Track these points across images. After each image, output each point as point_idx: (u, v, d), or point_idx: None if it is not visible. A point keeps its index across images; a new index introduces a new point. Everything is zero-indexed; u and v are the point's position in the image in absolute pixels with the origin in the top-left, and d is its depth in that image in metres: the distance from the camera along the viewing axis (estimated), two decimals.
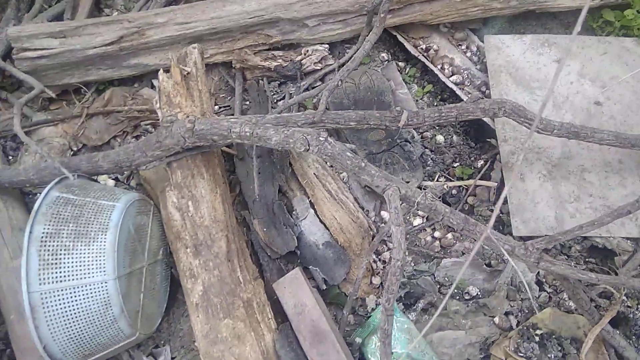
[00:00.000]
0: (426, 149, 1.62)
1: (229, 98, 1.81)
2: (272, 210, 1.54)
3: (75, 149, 1.74)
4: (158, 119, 1.77)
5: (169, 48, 1.73)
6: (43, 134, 1.76)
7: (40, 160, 1.71)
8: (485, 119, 1.61)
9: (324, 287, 1.45)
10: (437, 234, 1.50)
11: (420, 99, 1.73)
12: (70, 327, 1.13)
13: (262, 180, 1.59)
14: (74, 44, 1.66)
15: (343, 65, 1.79)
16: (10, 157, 1.76)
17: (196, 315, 1.29)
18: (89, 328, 1.15)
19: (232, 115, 1.73)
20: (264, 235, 1.50)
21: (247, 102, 1.78)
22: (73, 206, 1.20)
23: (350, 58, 1.75)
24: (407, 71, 1.80)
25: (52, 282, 1.11)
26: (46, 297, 1.10)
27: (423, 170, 1.56)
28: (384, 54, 1.81)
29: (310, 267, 1.47)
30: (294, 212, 1.55)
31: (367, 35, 1.45)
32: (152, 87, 1.86)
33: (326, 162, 1.64)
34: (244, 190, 1.58)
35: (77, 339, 1.15)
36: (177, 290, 1.51)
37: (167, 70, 1.47)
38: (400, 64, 1.80)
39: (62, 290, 1.11)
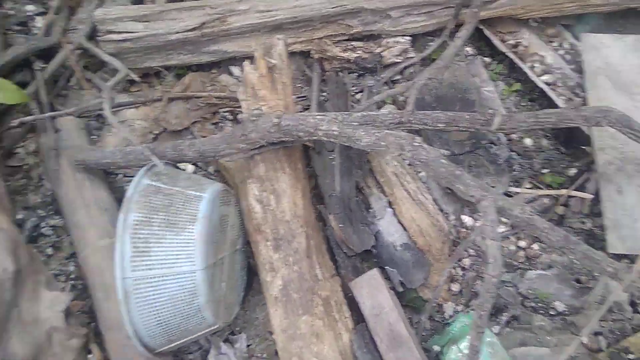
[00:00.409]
0: (512, 152, 1.55)
1: (305, 88, 1.79)
2: (348, 206, 1.53)
3: (156, 132, 1.77)
4: (236, 107, 1.78)
5: (249, 35, 1.72)
6: (125, 116, 1.80)
7: (123, 141, 1.75)
8: None
9: (401, 289, 1.43)
10: (522, 243, 1.45)
11: (508, 98, 1.65)
12: (159, 313, 1.17)
13: (339, 175, 1.57)
14: (157, 28, 1.67)
15: (425, 59, 1.74)
16: (93, 137, 1.81)
17: (275, 309, 1.30)
18: (175, 316, 1.18)
19: (309, 106, 1.71)
20: (340, 231, 1.49)
21: (324, 94, 1.75)
22: (163, 195, 1.22)
23: (433, 51, 1.70)
24: (493, 68, 1.72)
25: (144, 270, 1.14)
26: (138, 284, 1.14)
27: (509, 175, 1.50)
28: (468, 49, 1.74)
29: (386, 267, 1.45)
30: (370, 210, 1.53)
31: (452, 28, 1.39)
32: (230, 73, 1.86)
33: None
34: (320, 185, 1.57)
35: (164, 325, 1.19)
36: (253, 279, 1.53)
37: (248, 58, 1.46)
38: (486, 59, 1.73)
39: (152, 278, 1.14)
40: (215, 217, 1.28)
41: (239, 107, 1.77)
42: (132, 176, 1.75)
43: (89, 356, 1.42)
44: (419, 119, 1.25)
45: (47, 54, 1.86)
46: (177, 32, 1.67)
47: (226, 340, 1.46)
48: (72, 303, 1.44)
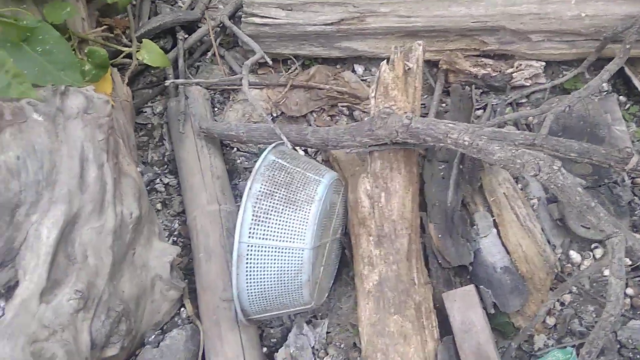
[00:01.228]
0: (635, 197, 1.48)
1: (424, 96, 1.81)
2: (450, 218, 1.52)
3: (274, 115, 1.85)
4: (354, 104, 1.82)
5: (381, 38, 1.76)
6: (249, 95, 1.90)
7: (243, 118, 1.85)
8: None
9: (492, 311, 1.40)
10: (630, 291, 1.38)
11: (638, 140, 1.57)
12: (263, 281, 1.22)
13: (445, 186, 1.57)
14: (298, 18, 1.75)
15: (555, 87, 1.70)
16: (215, 109, 1.93)
17: (366, 302, 1.32)
18: (277, 287, 1.24)
19: (426, 114, 1.72)
20: (438, 241, 1.49)
21: (444, 105, 1.76)
22: (286, 173, 1.28)
23: (566, 81, 1.66)
24: (628, 107, 1.65)
25: (260, 238, 1.20)
26: (251, 250, 1.20)
27: (630, 219, 1.43)
28: (604, 84, 1.67)
29: (481, 287, 1.43)
30: (474, 227, 1.51)
31: (591, 62, 1.35)
32: (353, 71, 1.91)
33: (517, 184, 1.57)
34: (426, 192, 1.57)
35: (265, 294, 1.24)
36: (342, 270, 1.56)
37: (376, 59, 1.49)
38: (621, 98, 1.66)
39: (266, 247, 1.20)
40: (327, 203, 1.32)
41: (357, 104, 1.83)
42: (245, 151, 1.85)
43: (181, 309, 1.51)
44: (552, 145, 1.22)
45: (189, 26, 2.01)
46: (316, 25, 1.74)
47: (309, 323, 1.50)
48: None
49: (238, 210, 1.21)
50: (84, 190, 1.23)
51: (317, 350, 1.48)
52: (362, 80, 1.87)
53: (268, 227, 1.21)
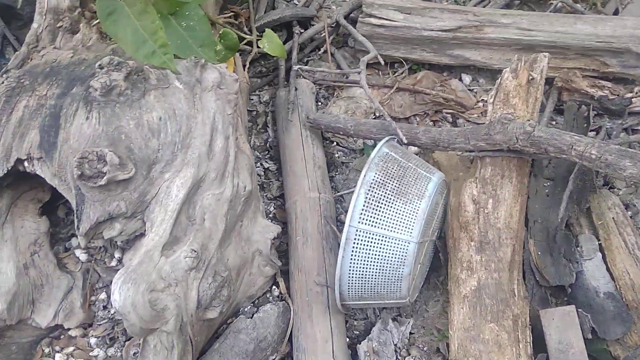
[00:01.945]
0: None
1: None
2: (553, 237, 1.49)
3: (376, 114, 1.89)
4: (460, 110, 1.83)
5: (497, 49, 1.76)
6: (354, 93, 1.95)
7: (347, 113, 1.90)
8: None
9: (589, 336, 1.35)
10: None
11: None
12: (365, 268, 1.25)
13: (549, 204, 1.54)
14: (415, 22, 1.78)
15: None
16: (319, 104, 1.99)
17: (461, 306, 1.32)
18: (378, 276, 1.26)
19: None
20: (537, 258, 1.46)
21: (554, 122, 1.73)
22: (398, 166, 1.31)
23: None
24: None
25: (368, 225, 1.23)
26: (359, 235, 1.23)
27: None
28: None
29: (579, 310, 1.38)
30: (577, 249, 1.47)
31: None
32: (460, 79, 1.92)
33: (627, 211, 1.51)
34: (529, 208, 1.55)
35: (364, 281, 1.27)
36: (431, 274, 1.56)
37: (486, 70, 1.49)
38: None
39: (373, 234, 1.23)
40: (434, 201, 1.33)
41: (462, 112, 1.83)
42: (344, 147, 1.90)
43: (273, 288, 1.56)
44: None
45: (303, 22, 2.09)
46: (432, 30, 1.76)
47: (394, 320, 1.51)
48: None
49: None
50: (210, 157, 1.31)
51: (399, 348, 1.48)
52: (468, 89, 1.88)
53: (378, 215, 1.23)
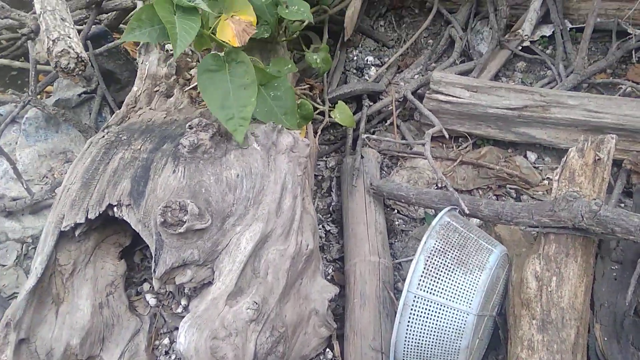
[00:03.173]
0: None
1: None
2: (620, 323, 1.42)
3: (439, 185, 1.93)
4: (524, 187, 1.83)
5: (562, 129, 1.78)
6: (417, 164, 2.01)
7: (409, 181, 1.95)
8: None
9: None
10: None
11: None
12: (422, 336, 1.25)
13: (616, 288, 1.48)
14: (482, 100, 1.85)
15: None
16: (382, 172, 2.06)
17: None
18: (435, 346, 1.25)
19: None
20: (603, 344, 1.39)
21: (622, 205, 1.69)
22: (459, 235, 1.33)
23: None
24: None
25: (427, 292, 1.24)
26: (417, 302, 1.24)
27: None
28: None
29: None
30: None
31: None
32: (525, 157, 1.93)
33: None
34: (595, 291, 1.50)
35: (421, 349, 1.26)
36: (489, 352, 1.52)
37: (551, 148, 1.50)
38: None
39: (432, 302, 1.23)
40: (494, 274, 1.32)
41: (527, 188, 1.83)
42: (405, 215, 1.93)
43: (326, 350, 1.57)
44: None
45: (372, 96, 2.22)
46: (498, 108, 1.82)
47: None
48: None
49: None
50: (279, 214, 1.39)
51: None
52: (534, 167, 1.89)
53: (437, 283, 1.25)
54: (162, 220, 1.22)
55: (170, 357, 1.44)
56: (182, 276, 1.29)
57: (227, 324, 1.24)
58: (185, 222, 1.22)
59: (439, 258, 1.27)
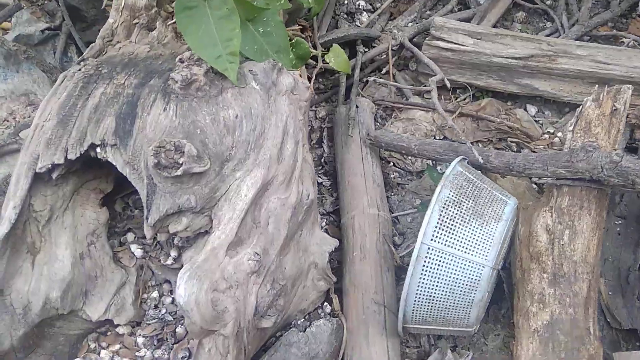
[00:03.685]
0: None
1: None
2: (625, 277, 1.41)
3: (438, 137, 1.85)
4: (525, 140, 1.78)
5: (568, 80, 1.72)
6: (414, 115, 1.91)
7: (403, 132, 1.86)
8: None
9: None
10: None
11: None
12: (435, 290, 1.19)
13: (621, 243, 1.47)
14: (486, 48, 1.76)
15: None
16: (377, 123, 1.96)
17: (530, 340, 1.24)
18: (447, 300, 1.19)
19: None
20: (608, 299, 1.38)
21: None
22: (473, 186, 1.26)
23: None
24: None
25: (441, 243, 1.17)
26: (430, 253, 1.17)
27: None
28: None
29: None
30: None
31: None
32: (525, 109, 1.87)
33: None
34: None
35: (432, 303, 1.20)
36: (491, 306, 1.48)
37: (552, 101, 1.44)
38: None
39: (446, 254, 1.17)
40: (509, 227, 1.27)
41: (528, 142, 1.78)
42: (401, 168, 1.85)
43: (324, 304, 1.49)
44: None
45: (366, 43, 2.09)
46: (502, 57, 1.74)
47: (454, 351, 1.43)
48: None
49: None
50: (280, 161, 1.28)
51: None
52: (534, 120, 1.83)
53: (452, 234, 1.18)
54: (156, 162, 1.09)
55: (160, 311, 1.34)
56: (177, 224, 1.17)
57: (227, 276, 1.14)
58: (182, 164, 1.09)
59: (454, 209, 1.20)
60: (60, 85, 1.31)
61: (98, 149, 1.19)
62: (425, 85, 1.95)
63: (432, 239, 1.17)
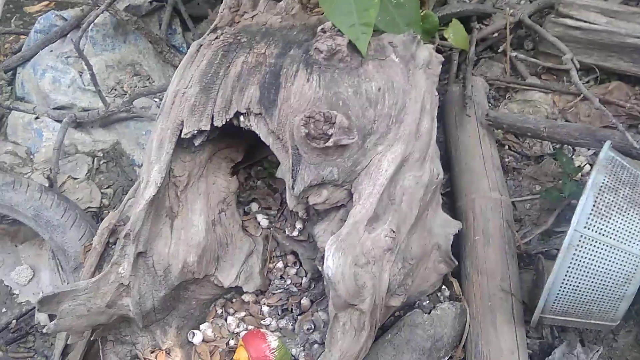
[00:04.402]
0: None
1: None
2: None
3: (563, 121, 1.75)
4: None
5: None
6: (532, 97, 1.82)
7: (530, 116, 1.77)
8: None
9: None
10: None
11: None
12: (582, 279, 1.12)
13: None
14: (620, 27, 1.64)
15: None
16: (489, 104, 1.87)
17: None
18: (595, 291, 1.13)
19: None
20: None
21: None
22: (628, 172, 1.17)
23: None
24: None
25: (595, 232, 1.10)
26: (583, 242, 1.10)
27: None
28: None
29: None
30: None
31: None
32: None
33: None
34: None
35: (578, 294, 1.14)
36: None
37: None
38: None
39: (600, 243, 1.10)
40: None
41: None
42: (517, 152, 1.77)
43: (442, 288, 1.45)
44: None
45: (480, 19, 2.00)
46: (638, 38, 1.61)
47: (582, 344, 1.36)
48: None
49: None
50: (417, 137, 1.24)
51: None
52: None
53: (607, 223, 1.11)
54: (306, 132, 1.07)
55: (285, 281, 1.34)
56: (317, 196, 1.16)
57: (365, 251, 1.12)
58: (332, 135, 1.07)
59: (610, 196, 1.12)
60: (198, 53, 1.32)
61: (241, 118, 1.19)
62: (541, 68, 1.85)
63: (585, 227, 1.10)
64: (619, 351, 1.36)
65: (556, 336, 1.40)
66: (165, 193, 1.23)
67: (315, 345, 1.23)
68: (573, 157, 1.65)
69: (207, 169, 1.32)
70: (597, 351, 1.35)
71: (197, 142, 1.21)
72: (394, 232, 1.17)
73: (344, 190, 1.18)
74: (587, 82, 1.81)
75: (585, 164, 1.64)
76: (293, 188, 1.11)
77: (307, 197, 1.16)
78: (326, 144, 1.07)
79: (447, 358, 1.33)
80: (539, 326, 1.41)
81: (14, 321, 1.71)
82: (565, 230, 1.11)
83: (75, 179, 2.05)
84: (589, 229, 1.10)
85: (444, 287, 1.45)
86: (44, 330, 1.08)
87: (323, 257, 1.22)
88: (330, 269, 1.03)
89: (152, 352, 1.18)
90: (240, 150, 1.38)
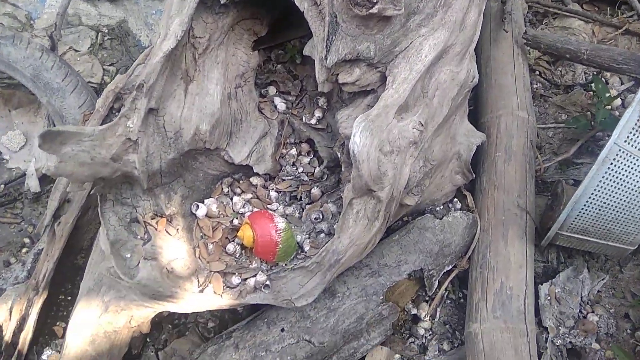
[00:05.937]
0: None
1: None
2: None
3: None
4: None
5: None
6: (571, 24, 1.72)
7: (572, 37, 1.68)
8: None
9: None
10: None
11: None
12: (612, 196, 1.08)
13: None
14: None
15: None
16: (525, 27, 1.77)
17: None
18: (624, 210, 1.09)
19: None
20: None
21: None
22: None
23: None
24: None
25: (636, 147, 1.04)
26: (621, 157, 1.05)
27: None
28: None
29: None
30: None
31: None
32: None
33: None
34: None
35: (604, 211, 1.10)
36: None
37: None
38: None
39: (638, 160, 1.04)
40: None
41: None
42: (547, 78, 1.69)
43: (454, 200, 1.41)
44: None
45: None
46: None
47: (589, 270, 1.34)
48: None
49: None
50: (462, 28, 1.15)
51: (583, 302, 1.32)
52: None
53: None
54: None
55: (297, 169, 1.28)
56: (348, 75, 1.08)
57: (392, 139, 1.06)
58: (377, 2, 0.98)
59: None
60: None
61: None
62: None
63: (626, 141, 1.04)
64: (624, 283, 1.35)
65: (562, 261, 1.37)
66: (182, 53, 1.13)
67: (322, 235, 1.19)
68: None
69: (229, 37, 1.22)
70: (603, 279, 1.33)
71: (222, 1, 1.10)
72: (422, 125, 1.11)
73: (377, 72, 1.09)
74: (631, 15, 1.71)
75: (617, 98, 1.57)
76: (326, 58, 1.02)
77: (337, 75, 1.08)
78: (370, 11, 0.97)
79: (451, 266, 1.30)
80: (545, 250, 1.38)
81: (3, 186, 1.64)
82: (586, 162, 1.07)
83: (77, 51, 1.93)
84: (629, 143, 1.05)
85: (455, 199, 1.41)
86: (44, 171, 1.00)
87: (343, 144, 1.16)
88: (356, 146, 0.96)
89: (152, 219, 1.12)
90: (264, 24, 1.27)
